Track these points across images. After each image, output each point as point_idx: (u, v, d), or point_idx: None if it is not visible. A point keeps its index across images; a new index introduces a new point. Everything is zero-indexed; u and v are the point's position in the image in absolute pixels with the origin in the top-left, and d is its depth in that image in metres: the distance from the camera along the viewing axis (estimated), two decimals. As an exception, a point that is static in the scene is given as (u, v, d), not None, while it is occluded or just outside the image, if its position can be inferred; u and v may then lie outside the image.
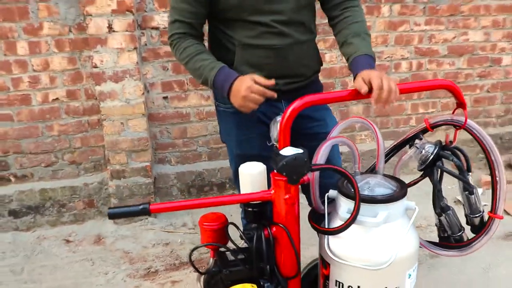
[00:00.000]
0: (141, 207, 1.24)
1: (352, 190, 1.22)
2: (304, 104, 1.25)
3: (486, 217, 1.50)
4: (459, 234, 1.54)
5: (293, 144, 1.35)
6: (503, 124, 3.72)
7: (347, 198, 1.32)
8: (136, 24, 2.64)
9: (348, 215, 1.28)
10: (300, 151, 1.15)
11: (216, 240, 1.39)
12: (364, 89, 1.21)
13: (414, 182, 1.56)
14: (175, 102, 2.90)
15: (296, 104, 1.25)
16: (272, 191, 1.31)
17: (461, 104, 1.43)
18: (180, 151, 3.00)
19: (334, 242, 1.34)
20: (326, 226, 1.36)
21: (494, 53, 3.48)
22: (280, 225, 1.32)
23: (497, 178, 1.44)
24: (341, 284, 1.35)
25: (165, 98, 2.87)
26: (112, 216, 1.23)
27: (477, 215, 1.50)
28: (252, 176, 1.35)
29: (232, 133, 1.56)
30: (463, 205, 1.54)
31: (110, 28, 2.50)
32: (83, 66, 2.68)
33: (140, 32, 2.70)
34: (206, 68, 1.35)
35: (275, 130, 1.38)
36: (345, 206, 1.32)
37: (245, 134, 1.53)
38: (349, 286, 1.33)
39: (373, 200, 1.27)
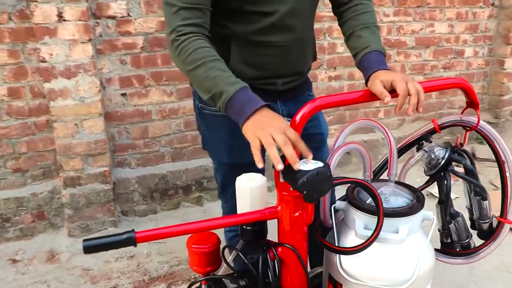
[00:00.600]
0: (124, 236, 1.04)
1: (371, 203, 1.09)
2: (316, 108, 1.11)
3: (495, 223, 1.44)
4: (466, 241, 1.47)
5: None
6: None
7: (362, 211, 1.19)
8: (90, 12, 2.36)
9: (366, 232, 1.16)
10: (321, 164, 1.00)
11: (207, 264, 1.22)
12: (388, 97, 1.08)
13: (422, 188, 1.46)
14: (134, 99, 2.66)
15: (307, 108, 1.11)
16: (279, 208, 1.16)
17: (473, 104, 1.34)
18: (141, 153, 2.77)
19: (348, 261, 1.21)
20: (336, 243, 1.24)
21: (458, 45, 3.51)
22: (288, 246, 1.17)
23: (508, 181, 1.37)
24: (356, 306, 1.22)
25: (123, 95, 2.62)
26: (88, 250, 1.02)
27: (487, 220, 1.44)
28: (253, 191, 1.19)
29: (222, 140, 1.40)
30: (470, 209, 1.48)
31: (60, 16, 2.22)
32: (27, 60, 2.37)
33: (94, 22, 2.43)
34: (224, 80, 1.08)
35: None
36: (360, 221, 1.20)
37: (237, 140, 1.34)
38: (365, 309, 1.21)
39: (394, 213, 1.16)
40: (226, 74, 1.10)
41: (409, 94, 1.10)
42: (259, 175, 1.23)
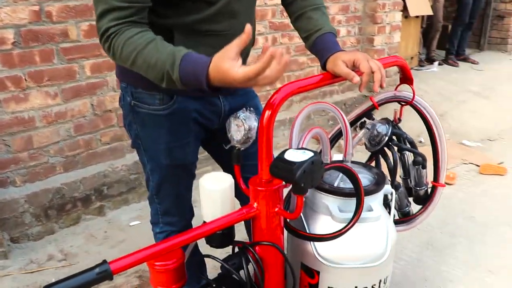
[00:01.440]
0: (97, 270, 0.89)
1: (339, 185, 1.10)
2: (290, 93, 1.06)
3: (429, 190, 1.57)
4: (406, 209, 1.58)
5: (225, 139, 1.20)
6: (344, 91, 4.08)
7: (335, 195, 1.20)
8: None
9: (345, 215, 1.17)
10: (310, 153, 0.97)
11: (174, 281, 1.11)
12: (356, 77, 1.09)
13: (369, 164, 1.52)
14: (11, 105, 2.29)
15: (282, 92, 1.05)
16: (255, 205, 1.10)
17: (407, 80, 1.43)
18: (27, 167, 2.41)
19: (325, 247, 1.21)
20: (308, 231, 1.23)
21: (334, 25, 3.74)
22: (269, 243, 1.12)
23: (440, 151, 1.50)
24: (335, 291, 1.23)
25: (-3, 101, 2.24)
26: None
27: (424, 187, 1.55)
28: (223, 193, 1.11)
29: (160, 139, 1.27)
30: (404, 179, 1.58)
31: None
32: None
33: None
34: (165, 61, 0.96)
35: (237, 130, 1.15)
36: (334, 204, 1.21)
37: (178, 139, 1.27)
38: (345, 291, 1.23)
39: (366, 192, 1.18)
40: (164, 52, 0.97)
41: (372, 72, 1.11)
42: (224, 175, 1.16)
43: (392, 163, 1.44)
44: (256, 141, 1.09)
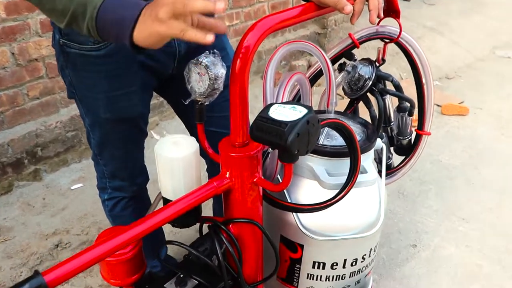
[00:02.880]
0: (27, 286, 0.64)
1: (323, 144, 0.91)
2: (269, 30, 0.83)
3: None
4: (388, 161, 1.43)
5: (184, 90, 0.97)
6: (296, 28, 3.81)
7: (322, 155, 1.01)
8: None
9: (334, 180, 0.98)
10: (303, 108, 0.74)
11: (132, 271, 0.91)
12: (348, 6, 0.88)
13: (350, 112, 1.33)
14: None
15: (256, 32, 0.82)
16: (228, 174, 0.88)
17: (393, 12, 1.21)
18: None
19: (309, 217, 1.04)
20: (289, 199, 1.05)
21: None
22: (247, 220, 0.93)
23: (426, 95, 1.33)
24: (322, 264, 1.08)
25: None
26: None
27: (407, 136, 1.41)
28: (186, 161, 0.89)
29: (98, 87, 1.10)
30: (386, 127, 1.42)
31: None
32: None
33: None
34: None
35: (199, 80, 0.92)
36: (319, 166, 1.01)
37: (120, 87, 1.10)
38: (334, 263, 1.07)
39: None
40: None
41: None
42: (186, 138, 0.94)
43: (377, 111, 1.25)
44: (224, 93, 0.88)
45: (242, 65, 0.81)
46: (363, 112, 1.33)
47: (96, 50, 1.03)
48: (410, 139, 1.42)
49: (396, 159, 1.46)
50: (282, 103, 0.77)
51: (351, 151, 0.91)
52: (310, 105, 1.06)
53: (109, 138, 1.20)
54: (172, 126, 2.64)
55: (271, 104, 0.77)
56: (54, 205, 2.16)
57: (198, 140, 0.94)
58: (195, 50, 1.07)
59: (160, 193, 1.00)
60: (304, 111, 0.74)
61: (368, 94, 1.29)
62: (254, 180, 0.89)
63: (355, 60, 1.25)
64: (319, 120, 0.76)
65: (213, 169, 1.32)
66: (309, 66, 3.51)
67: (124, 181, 1.30)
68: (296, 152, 0.72)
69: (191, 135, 1.32)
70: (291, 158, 0.75)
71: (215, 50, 0.93)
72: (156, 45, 0.74)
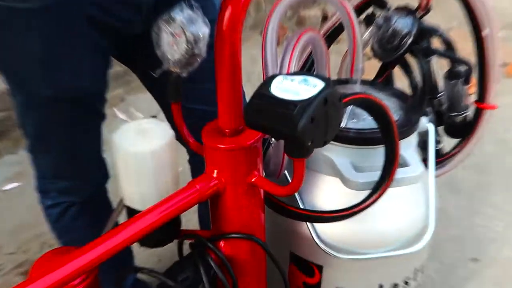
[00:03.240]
0: None
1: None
2: None
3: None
4: (438, 147, 1.43)
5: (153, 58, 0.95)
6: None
7: (343, 143, 1.02)
8: None
9: (362, 176, 0.99)
10: (319, 81, 0.72)
11: None
12: None
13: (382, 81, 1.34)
14: None
15: None
16: (215, 174, 0.88)
17: None
18: None
19: (329, 229, 1.06)
20: (302, 204, 1.06)
21: None
22: (243, 235, 0.93)
23: (488, 53, 1.32)
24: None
25: None
26: None
27: (462, 112, 1.40)
28: (158, 158, 0.89)
29: (30, 53, 1.09)
30: (432, 100, 1.41)
31: None
32: None
33: None
34: None
35: (174, 42, 0.90)
36: (342, 158, 1.03)
37: (63, 52, 1.10)
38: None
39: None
40: None
41: None
42: (155, 122, 0.94)
43: (422, 78, 1.25)
44: (208, 62, 0.87)
45: (232, 19, 0.79)
46: (400, 81, 1.31)
47: (26, 1, 1.00)
48: (466, 115, 1.41)
49: (447, 142, 1.45)
50: (289, 74, 0.75)
51: (385, 137, 0.90)
52: (327, 76, 1.04)
53: (51, 124, 1.20)
54: (142, 101, 2.64)
55: (274, 76, 0.75)
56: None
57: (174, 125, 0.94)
58: (166, 2, 1.04)
59: (121, 200, 1.00)
60: (319, 85, 0.71)
61: (407, 55, 1.28)
62: (252, 180, 0.88)
63: (389, 9, 1.25)
64: (342, 96, 0.73)
65: (197, 161, 1.32)
66: (325, 18, 3.48)
67: (74, 180, 1.31)
68: (309, 143, 0.70)
69: (167, 117, 1.31)
70: (302, 152, 0.73)
71: (192, 0, 0.91)
72: None
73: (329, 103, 0.71)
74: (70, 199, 1.33)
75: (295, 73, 0.76)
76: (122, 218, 1.09)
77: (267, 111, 0.71)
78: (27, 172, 2.33)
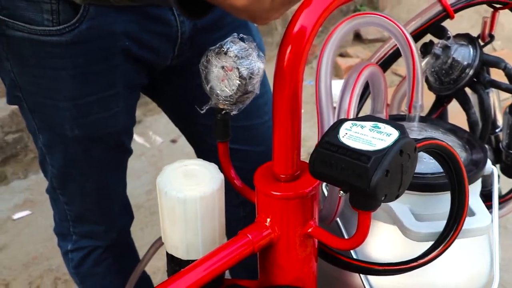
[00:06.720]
0: None
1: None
2: (335, 3, 0.80)
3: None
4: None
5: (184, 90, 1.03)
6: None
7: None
8: None
9: (424, 226, 0.98)
10: (393, 130, 0.72)
11: None
12: None
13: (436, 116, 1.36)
14: None
15: (315, 8, 0.80)
16: (268, 222, 0.88)
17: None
18: None
19: (385, 283, 1.04)
20: (356, 254, 1.06)
21: None
22: None
23: None
24: None
25: None
26: None
27: None
28: (208, 204, 0.89)
29: (60, 91, 1.12)
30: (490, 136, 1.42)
31: None
32: None
33: None
34: None
35: (225, 77, 0.91)
36: (399, 205, 1.02)
37: (95, 91, 1.13)
38: None
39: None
40: None
41: None
42: (203, 164, 0.94)
43: (482, 114, 1.28)
44: (262, 98, 0.95)
45: (294, 58, 0.78)
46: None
47: (57, 34, 1.02)
48: (526, 153, 1.40)
49: (504, 183, 1.44)
50: (357, 119, 0.75)
51: (454, 185, 0.90)
52: (399, 124, 1.05)
53: (77, 165, 1.22)
54: (161, 123, 2.66)
55: (342, 121, 0.74)
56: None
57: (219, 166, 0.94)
58: (204, 31, 1.10)
59: (158, 240, 1.00)
60: (394, 133, 0.71)
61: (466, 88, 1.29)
62: (309, 230, 0.87)
63: (448, 37, 1.24)
64: (416, 147, 0.73)
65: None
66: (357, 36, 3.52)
67: (98, 224, 1.33)
68: (383, 198, 0.69)
69: (198, 154, 1.32)
70: (373, 206, 0.72)
71: (241, 34, 0.92)
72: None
73: (404, 154, 0.71)
74: (93, 244, 1.35)
75: (364, 118, 0.76)
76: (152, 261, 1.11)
77: (337, 162, 0.71)
78: (37, 199, 2.37)
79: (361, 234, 0.80)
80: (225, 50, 0.89)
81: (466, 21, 2.38)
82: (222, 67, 0.91)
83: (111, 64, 1.10)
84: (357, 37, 3.71)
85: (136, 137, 2.60)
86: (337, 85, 0.95)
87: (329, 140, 0.72)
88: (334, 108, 0.95)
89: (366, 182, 0.68)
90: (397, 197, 0.73)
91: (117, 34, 1.07)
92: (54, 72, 1.09)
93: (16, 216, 2.31)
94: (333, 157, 0.71)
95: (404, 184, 0.73)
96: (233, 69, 0.90)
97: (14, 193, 2.44)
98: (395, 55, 1.29)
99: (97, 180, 1.26)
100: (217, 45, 0.90)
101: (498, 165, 1.44)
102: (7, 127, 2.41)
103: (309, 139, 2.56)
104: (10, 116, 2.41)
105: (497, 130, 1.39)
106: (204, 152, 1.29)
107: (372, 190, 0.68)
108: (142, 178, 2.39)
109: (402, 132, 0.72)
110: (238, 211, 1.33)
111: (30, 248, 2.10)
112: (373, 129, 0.73)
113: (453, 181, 0.90)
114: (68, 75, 1.09)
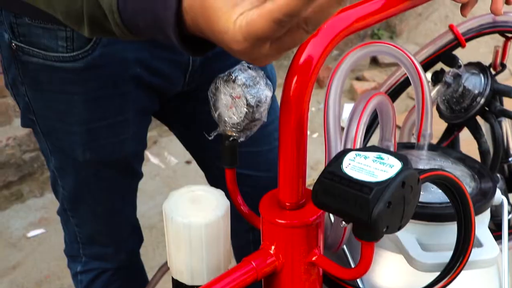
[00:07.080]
0: None
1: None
2: (342, 33, 0.82)
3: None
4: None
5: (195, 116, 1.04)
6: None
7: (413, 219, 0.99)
8: None
9: (431, 257, 0.97)
10: (395, 161, 0.72)
11: None
12: None
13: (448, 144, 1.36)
14: None
15: (324, 37, 0.81)
16: (272, 250, 0.88)
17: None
18: None
19: None
20: (361, 284, 1.06)
21: None
22: None
23: None
24: None
25: None
26: None
27: None
28: (213, 231, 0.90)
29: (73, 116, 1.14)
30: (502, 164, 1.41)
31: None
32: None
33: None
34: None
35: (233, 105, 0.92)
36: (406, 235, 1.01)
37: (107, 116, 1.15)
38: None
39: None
40: None
41: None
42: (210, 190, 0.95)
43: (494, 143, 1.27)
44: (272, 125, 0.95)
45: (300, 88, 0.79)
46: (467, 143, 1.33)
47: (71, 61, 1.04)
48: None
49: None
50: (361, 149, 0.76)
51: (460, 216, 0.89)
52: (403, 155, 1.05)
53: (88, 188, 1.24)
54: (177, 144, 2.67)
55: (345, 152, 0.75)
56: (1, 261, 2.20)
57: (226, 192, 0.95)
58: (215, 58, 1.10)
59: (165, 264, 1.00)
60: (397, 165, 0.72)
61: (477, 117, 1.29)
62: (313, 259, 0.88)
63: (460, 66, 1.24)
64: (419, 179, 0.73)
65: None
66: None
67: (107, 246, 1.34)
68: (384, 229, 0.70)
69: (208, 178, 1.33)
70: (375, 237, 0.72)
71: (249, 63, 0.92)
72: None
73: (406, 186, 0.71)
74: (103, 266, 1.36)
75: (368, 149, 0.77)
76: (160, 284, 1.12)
77: (339, 193, 0.71)
78: (52, 217, 2.38)
79: (365, 264, 0.80)
80: (233, 78, 0.90)
81: (484, 47, 2.37)
82: (230, 95, 0.92)
83: (122, 90, 1.12)
84: (374, 61, 3.70)
85: (151, 157, 2.61)
86: (350, 108, 0.97)
87: (332, 170, 0.73)
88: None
89: (367, 214, 0.68)
90: (399, 228, 0.74)
91: (128, 61, 1.09)
92: (66, 96, 1.11)
93: (31, 234, 2.33)
94: (335, 188, 0.72)
95: (407, 215, 0.73)
96: (241, 97, 0.91)
97: (29, 211, 2.45)
98: (408, 81, 1.30)
99: (106, 203, 1.28)
100: (226, 73, 0.91)
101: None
102: (24, 146, 2.44)
103: (322, 163, 2.56)
104: (28, 135, 2.43)
105: (510, 159, 1.39)
106: (214, 177, 1.30)
107: (373, 221, 0.68)
108: (156, 198, 2.39)
109: (405, 163, 0.73)
110: (247, 236, 1.34)
111: (43, 267, 2.11)
112: (376, 160, 0.73)
113: (459, 211, 0.90)
114: (80, 100, 1.11)
